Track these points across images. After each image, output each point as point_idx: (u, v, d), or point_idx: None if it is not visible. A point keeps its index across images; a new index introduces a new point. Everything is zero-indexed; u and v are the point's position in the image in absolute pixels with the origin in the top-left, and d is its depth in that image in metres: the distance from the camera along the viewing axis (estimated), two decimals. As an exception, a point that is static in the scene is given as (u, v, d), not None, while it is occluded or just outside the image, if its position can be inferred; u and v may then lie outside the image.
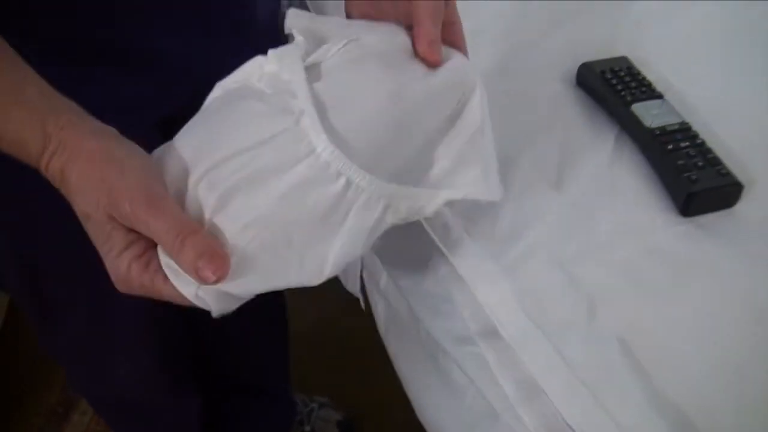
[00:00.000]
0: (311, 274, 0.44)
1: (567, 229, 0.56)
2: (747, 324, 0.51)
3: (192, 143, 0.45)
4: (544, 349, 0.49)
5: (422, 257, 0.58)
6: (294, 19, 0.49)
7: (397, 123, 0.47)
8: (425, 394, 0.60)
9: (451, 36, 0.52)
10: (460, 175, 0.48)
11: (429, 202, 0.47)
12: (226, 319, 1.00)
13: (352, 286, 0.77)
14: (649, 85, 0.67)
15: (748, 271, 0.55)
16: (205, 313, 0.97)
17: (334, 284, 1.29)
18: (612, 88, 0.67)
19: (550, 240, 0.55)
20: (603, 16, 0.78)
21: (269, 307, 1.08)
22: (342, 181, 0.43)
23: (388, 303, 0.67)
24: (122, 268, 0.43)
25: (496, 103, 0.53)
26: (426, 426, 0.61)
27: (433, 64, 0.49)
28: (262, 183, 0.43)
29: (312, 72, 0.47)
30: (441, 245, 0.55)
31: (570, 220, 0.57)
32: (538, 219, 0.57)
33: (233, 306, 0.45)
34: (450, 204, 0.52)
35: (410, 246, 0.60)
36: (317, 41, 0.49)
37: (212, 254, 0.40)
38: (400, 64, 0.48)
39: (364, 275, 0.73)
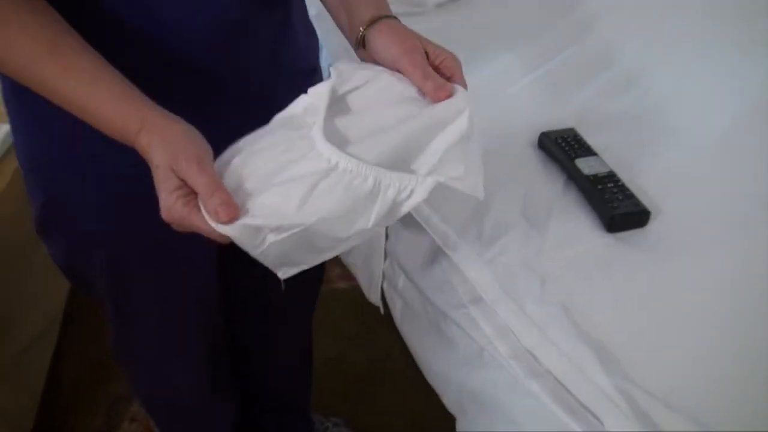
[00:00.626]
0: (302, 218, 0.60)
1: (528, 239, 0.87)
2: (648, 295, 0.81)
3: (240, 143, 0.67)
4: (511, 307, 0.78)
5: (430, 258, 0.88)
6: (337, 66, 0.72)
7: (393, 132, 0.64)
8: (431, 355, 0.88)
9: (446, 73, 0.70)
10: (446, 170, 0.62)
11: (418, 186, 0.60)
12: (266, 349, 1.25)
13: (375, 298, 1.06)
14: (588, 147, 0.99)
15: (652, 268, 0.85)
16: (248, 343, 1.21)
17: (348, 326, 1.58)
18: (562, 149, 0.99)
19: (516, 245, 0.86)
20: (557, 99, 1.11)
21: (299, 343, 1.34)
22: (331, 164, 0.61)
23: (404, 300, 0.96)
24: (170, 200, 0.64)
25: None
26: (430, 378, 0.89)
27: (443, 98, 0.67)
28: (279, 170, 0.62)
29: (335, 99, 0.68)
30: (444, 247, 0.85)
31: (531, 233, 0.87)
32: (509, 231, 0.87)
33: (258, 239, 0.61)
34: (448, 220, 0.82)
35: (421, 252, 0.90)
36: (347, 80, 0.70)
37: (228, 204, 0.62)
38: (400, 99, 0.68)
39: (384, 286, 1.02)
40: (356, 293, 1.79)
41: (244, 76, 0.80)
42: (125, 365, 1.17)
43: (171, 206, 0.63)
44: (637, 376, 0.71)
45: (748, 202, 0.93)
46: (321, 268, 1.21)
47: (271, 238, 0.60)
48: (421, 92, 0.69)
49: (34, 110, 0.78)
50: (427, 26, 0.81)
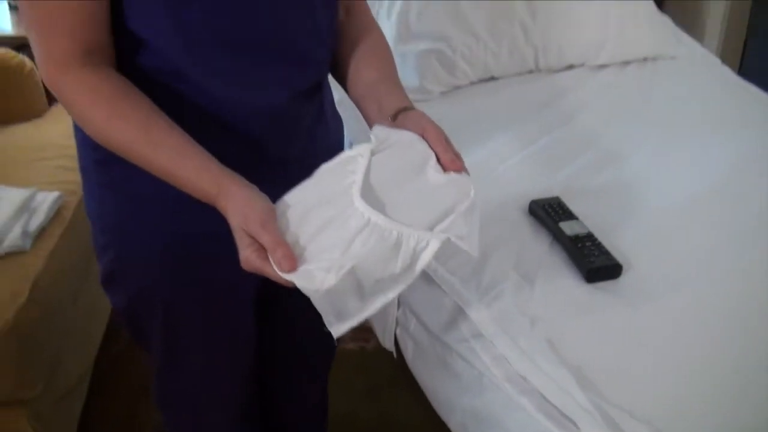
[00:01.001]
0: (346, 260, 0.76)
1: (520, 287, 1.07)
2: (618, 332, 1.00)
3: (288, 201, 0.86)
4: (506, 341, 0.97)
5: (438, 303, 1.08)
6: (375, 129, 0.91)
7: (416, 196, 0.84)
8: (439, 384, 1.07)
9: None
10: (453, 230, 0.80)
11: (432, 240, 0.78)
12: (289, 397, 1.43)
13: (389, 343, 1.24)
14: (570, 212, 1.21)
15: (623, 311, 1.05)
16: (273, 391, 1.39)
17: (358, 384, 1.76)
18: (548, 214, 1.20)
19: (510, 292, 1.06)
20: (544, 173, 1.34)
21: (317, 393, 1.51)
22: (366, 218, 0.81)
23: (415, 341, 1.15)
24: (247, 254, 0.83)
25: (481, 228, 1.03)
26: (437, 405, 1.07)
27: (456, 171, 0.87)
28: (326, 224, 0.82)
29: (373, 157, 0.87)
30: (450, 294, 1.05)
31: (522, 282, 1.08)
32: (504, 281, 1.08)
33: (315, 283, 0.75)
34: (454, 272, 1.02)
35: (431, 299, 1.10)
36: (383, 141, 0.89)
37: (288, 257, 0.80)
38: (424, 164, 0.87)
39: (398, 331, 1.21)
40: (365, 354, 1.99)
41: (286, 150, 1.01)
42: (165, 408, 1.32)
43: (247, 258, 0.82)
44: (607, 393, 0.91)
45: (704, 260, 1.14)
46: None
47: (328, 280, 0.75)
48: (439, 159, 0.88)
49: (115, 181, 0.97)
50: (435, 111, 1.02)
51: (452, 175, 0.85)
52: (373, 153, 0.86)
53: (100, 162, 0.97)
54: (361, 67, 1.00)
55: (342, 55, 1.03)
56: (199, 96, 0.91)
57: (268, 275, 0.81)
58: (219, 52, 0.88)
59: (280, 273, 0.78)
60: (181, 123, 0.88)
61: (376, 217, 0.80)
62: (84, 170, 1.02)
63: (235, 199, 0.84)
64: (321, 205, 0.83)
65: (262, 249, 0.81)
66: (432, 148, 0.87)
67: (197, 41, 0.87)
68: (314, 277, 0.76)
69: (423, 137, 0.88)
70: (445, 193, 0.84)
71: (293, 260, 0.79)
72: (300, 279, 0.76)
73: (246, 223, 0.82)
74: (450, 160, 0.87)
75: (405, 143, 0.87)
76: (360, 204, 0.81)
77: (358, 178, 0.84)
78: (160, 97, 0.89)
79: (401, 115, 0.92)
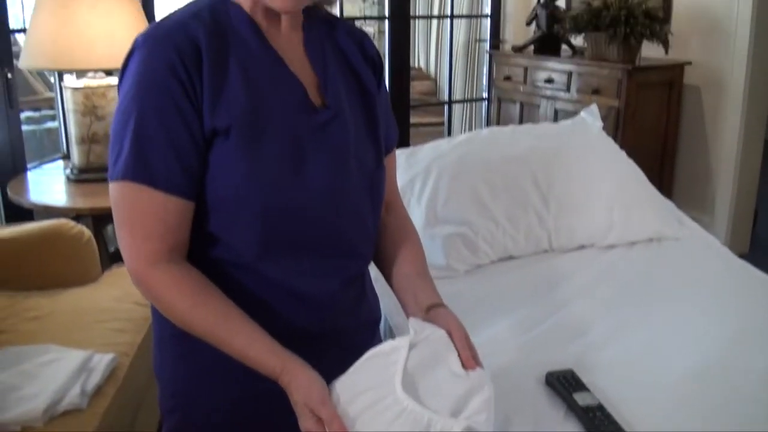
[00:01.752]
0: None
1: (538, 451, 1.24)
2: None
3: (342, 382, 1.07)
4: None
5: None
6: (412, 322, 1.12)
7: (442, 385, 1.05)
8: None
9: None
10: (474, 418, 1.00)
11: (455, 426, 0.98)
12: None
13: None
14: (583, 384, 1.40)
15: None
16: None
17: None
18: (563, 385, 1.39)
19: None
20: (559, 348, 1.54)
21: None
22: (404, 405, 1.03)
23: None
24: (309, 425, 1.04)
25: (502, 396, 1.22)
26: None
27: (472, 369, 1.09)
28: (372, 404, 1.03)
29: (411, 351, 1.09)
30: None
31: (540, 447, 1.25)
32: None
33: None
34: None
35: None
36: (419, 333, 1.11)
37: (342, 430, 1.01)
38: (447, 357, 1.09)
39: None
40: None
41: (335, 324, 1.23)
42: None
43: (309, 429, 1.03)
44: None
45: (705, 429, 1.31)
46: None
47: None
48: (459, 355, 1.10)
49: (189, 351, 1.17)
50: (459, 287, 1.25)
51: (470, 371, 1.07)
52: (411, 346, 1.09)
53: (177, 335, 1.15)
54: (401, 263, 1.25)
55: (385, 249, 1.28)
56: (262, 282, 1.13)
57: None
58: (288, 253, 1.12)
59: None
60: (244, 303, 1.09)
61: (412, 405, 1.02)
62: (160, 341, 1.22)
63: (298, 378, 1.06)
64: (369, 389, 1.05)
65: (320, 421, 1.02)
66: (455, 344, 1.10)
67: (272, 246, 1.10)
68: None
69: (448, 332, 1.11)
70: (464, 384, 1.06)
71: None
72: None
73: (309, 400, 1.03)
74: (467, 359, 1.09)
75: (435, 339, 1.10)
76: (401, 393, 1.04)
77: (400, 369, 1.06)
78: (227, 282, 1.10)
79: (433, 311, 1.16)
